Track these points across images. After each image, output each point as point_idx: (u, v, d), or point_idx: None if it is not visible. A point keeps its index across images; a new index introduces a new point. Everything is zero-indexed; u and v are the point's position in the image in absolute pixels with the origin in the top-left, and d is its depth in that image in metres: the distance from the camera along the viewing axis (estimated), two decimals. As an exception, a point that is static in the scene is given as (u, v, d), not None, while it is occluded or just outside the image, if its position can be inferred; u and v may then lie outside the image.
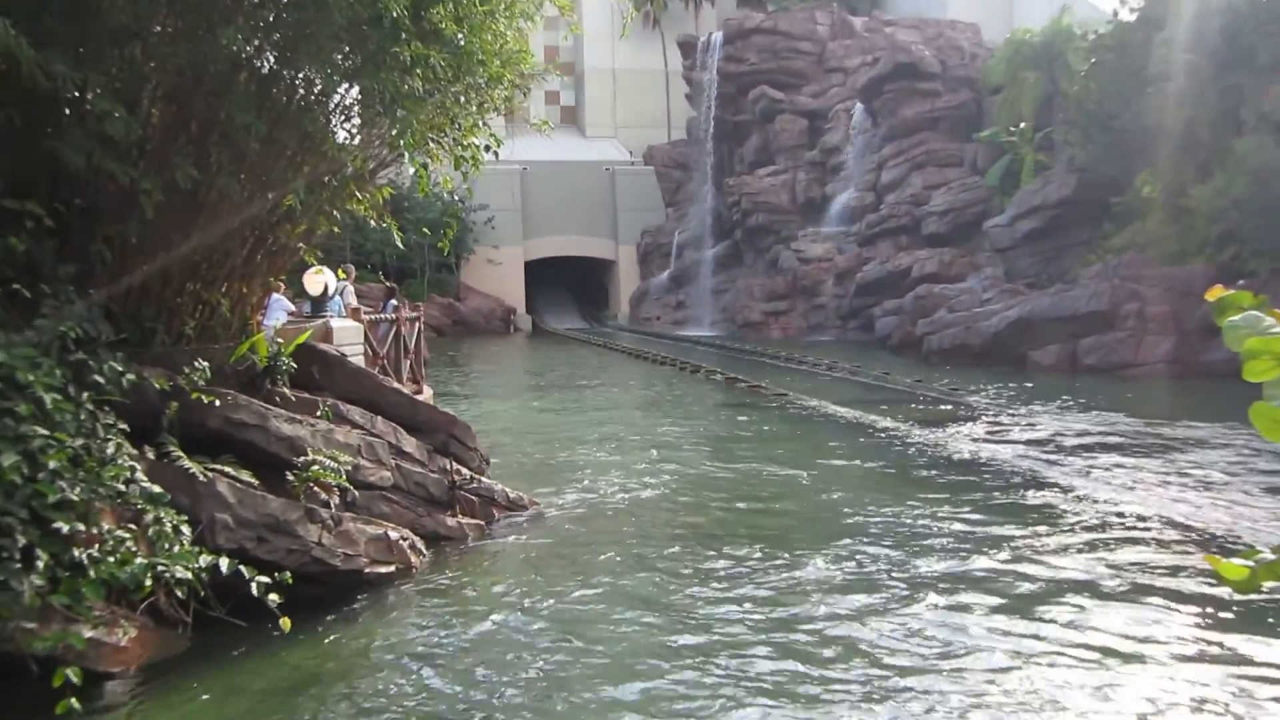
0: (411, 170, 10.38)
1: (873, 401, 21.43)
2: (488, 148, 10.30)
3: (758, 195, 51.26)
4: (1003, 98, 40.18)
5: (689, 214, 62.30)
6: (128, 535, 6.99)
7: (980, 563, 9.20)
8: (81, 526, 6.73)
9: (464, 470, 10.98)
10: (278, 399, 9.36)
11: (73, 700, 6.10)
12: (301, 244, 10.22)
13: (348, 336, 12.26)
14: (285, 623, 7.00)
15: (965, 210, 40.08)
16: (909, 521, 10.76)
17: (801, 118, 52.53)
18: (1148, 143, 29.65)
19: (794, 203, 50.88)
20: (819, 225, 48.88)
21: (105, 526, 6.95)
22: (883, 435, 16.79)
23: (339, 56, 9.28)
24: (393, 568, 8.84)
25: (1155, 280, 26.85)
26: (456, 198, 57.67)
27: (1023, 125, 38.61)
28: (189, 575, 7.14)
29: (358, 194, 10.25)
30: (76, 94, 8.18)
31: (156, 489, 7.36)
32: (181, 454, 8.02)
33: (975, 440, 16.00)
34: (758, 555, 9.58)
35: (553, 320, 64.59)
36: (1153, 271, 27.17)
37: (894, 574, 8.92)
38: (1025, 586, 8.52)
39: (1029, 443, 15.65)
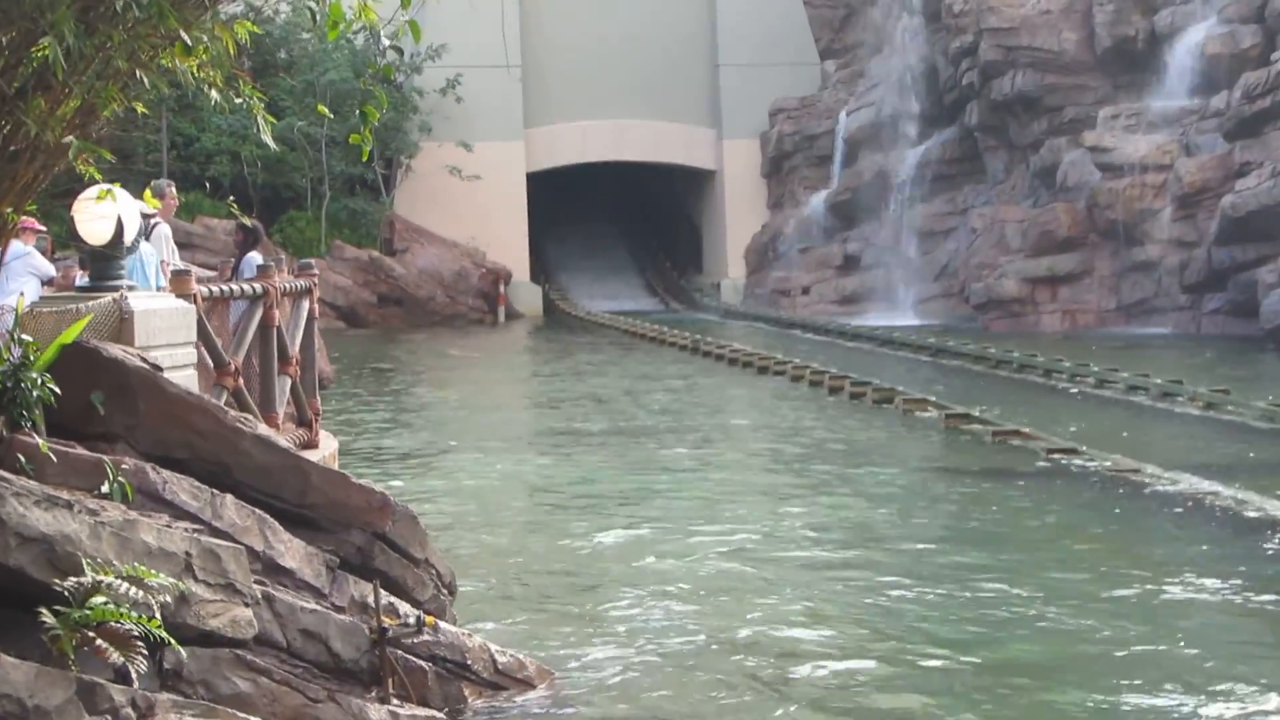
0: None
1: (1254, 465, 21.17)
2: (452, -61, 10.32)
3: (1012, 34, 50.81)
4: None
5: (869, 74, 61.80)
6: None
7: None
8: None
9: (403, 607, 11.02)
10: (21, 459, 9.47)
11: None
12: (71, 138, 10.34)
13: (165, 329, 12.37)
14: None
15: None
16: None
17: None
18: None
19: (1089, 49, 50.27)
20: (1142, 97, 48.25)
21: None
22: (1276, 534, 16.60)
23: None
24: (255, 805, 8.90)
25: None
26: (386, 42, 56.22)
27: None
28: None
29: (184, 36, 10.33)
30: None
31: None
32: None
33: None
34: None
35: (586, 295, 64.62)
36: None
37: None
38: None
39: None
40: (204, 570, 9.58)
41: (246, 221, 18.83)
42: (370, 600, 10.74)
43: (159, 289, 13.80)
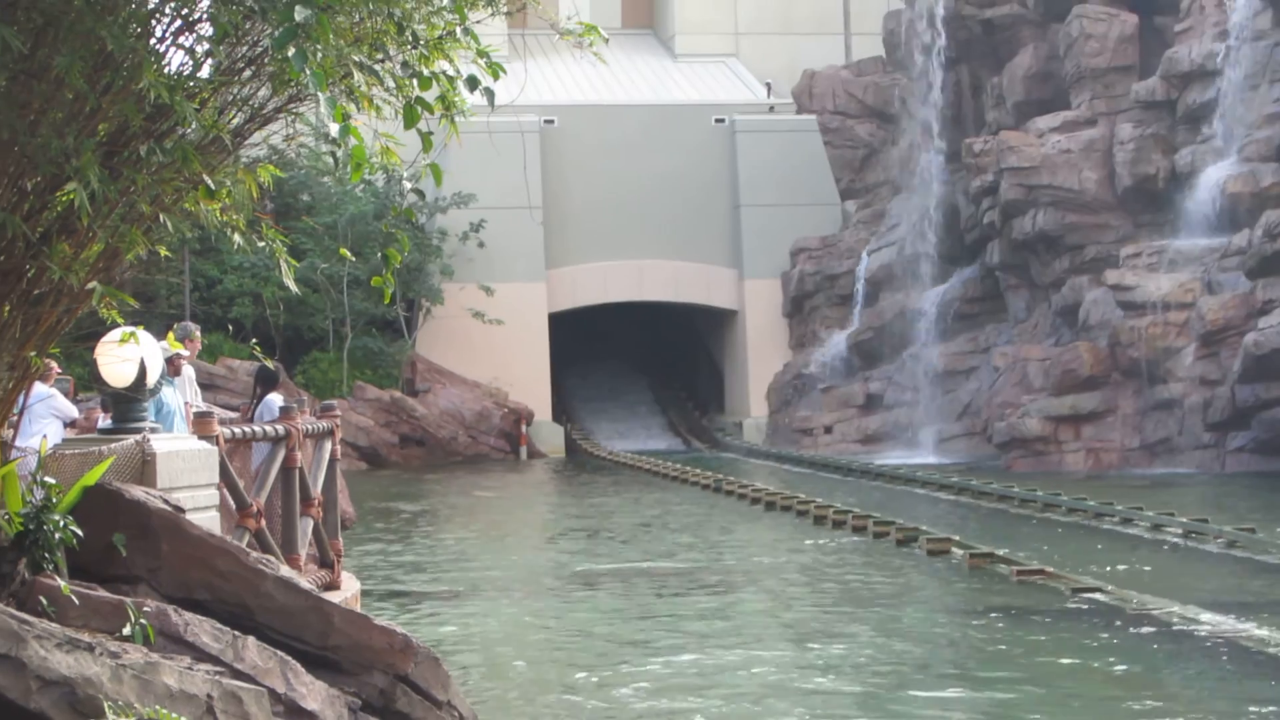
0: (324, 131, 10.48)
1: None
2: (474, 84, 10.39)
3: (1033, 173, 50.93)
4: None
5: (889, 213, 62.02)
6: None
7: None
8: None
9: (424, 749, 10.92)
10: (43, 601, 9.44)
11: None
12: (94, 283, 10.36)
13: (187, 470, 12.38)
14: None
15: None
16: None
17: (1125, 11, 52.44)
18: None
19: (1109, 188, 50.39)
20: (1163, 235, 48.31)
21: None
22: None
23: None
24: None
25: None
26: (409, 184, 56.31)
27: None
28: None
29: (208, 180, 10.39)
30: None
31: None
32: None
33: None
34: None
35: (609, 434, 64.46)
36: None
37: None
38: None
39: None
40: (225, 713, 9.51)
41: (268, 363, 18.91)
42: (392, 744, 10.66)
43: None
